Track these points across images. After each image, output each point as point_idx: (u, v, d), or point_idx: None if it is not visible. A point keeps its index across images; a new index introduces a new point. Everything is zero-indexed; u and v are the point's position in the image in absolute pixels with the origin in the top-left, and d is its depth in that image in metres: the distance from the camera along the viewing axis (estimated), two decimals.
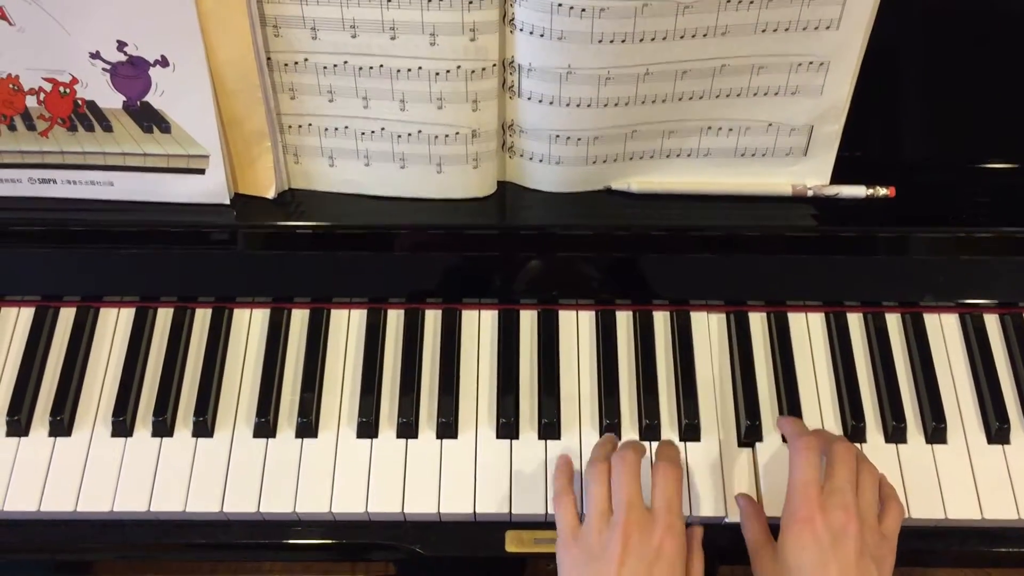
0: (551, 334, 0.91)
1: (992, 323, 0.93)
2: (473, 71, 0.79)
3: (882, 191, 0.88)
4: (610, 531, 0.74)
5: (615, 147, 0.85)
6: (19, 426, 0.87)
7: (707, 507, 0.84)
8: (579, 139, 0.84)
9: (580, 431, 0.87)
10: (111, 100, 0.82)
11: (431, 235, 0.88)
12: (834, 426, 0.88)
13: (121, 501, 0.83)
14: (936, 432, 0.87)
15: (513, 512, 0.83)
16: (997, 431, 0.87)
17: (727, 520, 0.83)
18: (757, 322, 0.93)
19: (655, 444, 0.86)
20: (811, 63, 0.80)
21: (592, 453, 0.81)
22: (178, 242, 0.88)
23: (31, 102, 0.83)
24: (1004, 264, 0.90)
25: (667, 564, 0.72)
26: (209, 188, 0.87)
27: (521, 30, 0.77)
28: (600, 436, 0.86)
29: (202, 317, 0.93)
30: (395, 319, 0.93)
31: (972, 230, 0.88)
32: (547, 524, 0.84)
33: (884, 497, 0.80)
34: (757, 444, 0.86)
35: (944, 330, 0.92)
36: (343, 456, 0.86)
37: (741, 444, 0.87)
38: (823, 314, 0.93)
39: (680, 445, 0.86)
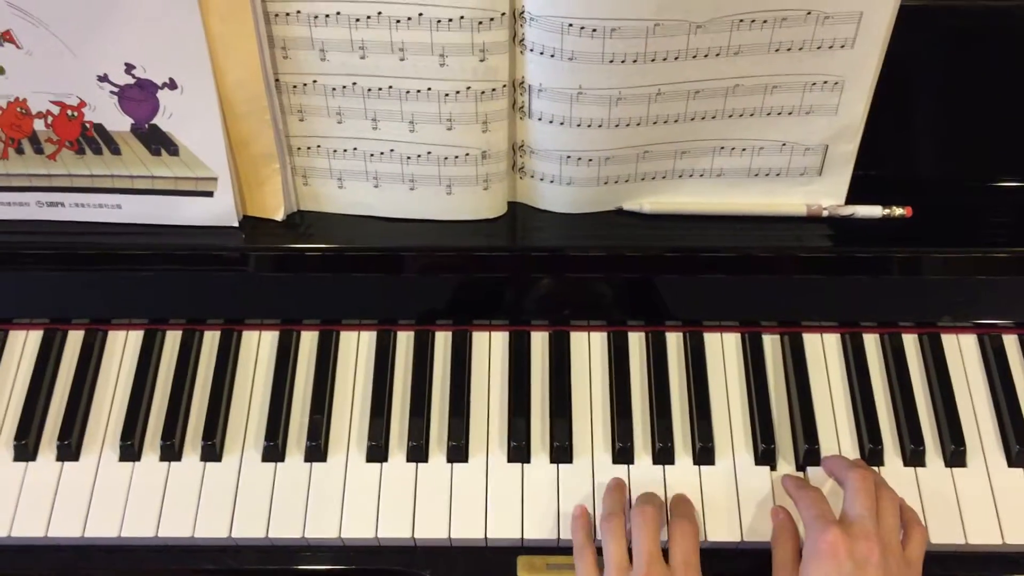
0: (563, 356, 0.90)
1: (1011, 343, 0.91)
2: (483, 92, 0.79)
3: (898, 211, 0.86)
4: None
5: (627, 167, 0.84)
6: (27, 450, 0.86)
7: (722, 531, 0.82)
8: (590, 160, 0.83)
9: (592, 454, 0.86)
10: (119, 123, 0.82)
11: (441, 257, 0.88)
12: (851, 449, 0.86)
13: (129, 526, 0.83)
14: (955, 455, 0.85)
15: (525, 537, 0.82)
16: (1018, 453, 0.85)
17: (742, 545, 0.82)
18: (772, 343, 0.92)
19: (667, 467, 0.85)
20: (826, 82, 0.79)
21: (604, 505, 0.81)
22: (186, 265, 0.88)
23: (39, 125, 0.82)
24: (1023, 284, 0.89)
25: None
26: (218, 211, 0.86)
27: (531, 50, 0.77)
28: (613, 460, 0.86)
29: (211, 340, 0.92)
30: (405, 341, 0.92)
31: (990, 250, 0.87)
32: (560, 549, 0.83)
33: (907, 522, 0.79)
34: (773, 467, 0.85)
35: (962, 351, 0.91)
36: (352, 480, 0.85)
37: (756, 467, 0.85)
38: (839, 335, 0.92)
39: (694, 469, 0.85)
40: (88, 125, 0.82)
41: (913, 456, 0.85)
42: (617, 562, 0.75)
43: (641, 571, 0.73)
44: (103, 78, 0.79)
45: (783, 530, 0.79)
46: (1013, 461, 0.85)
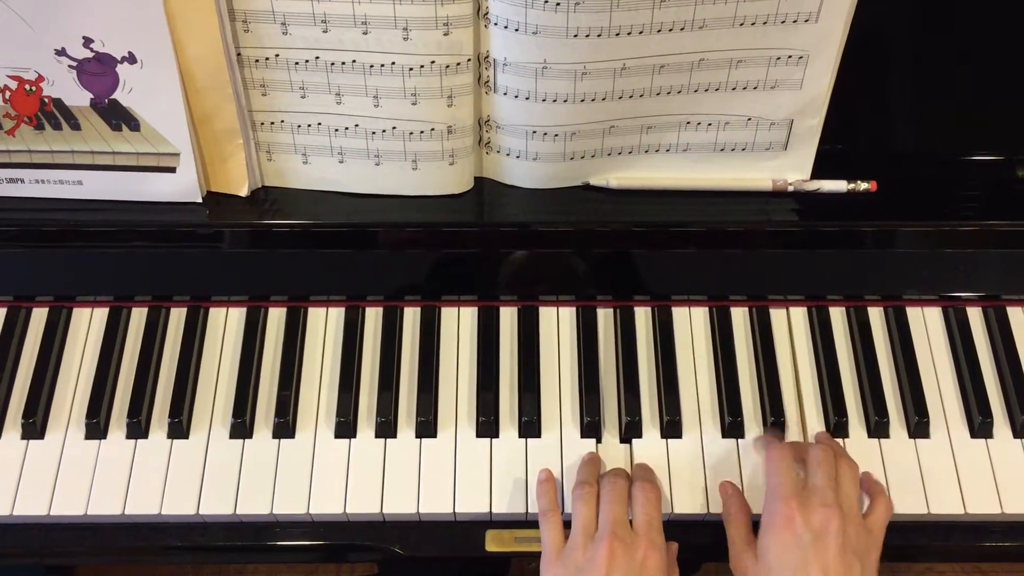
0: (531, 331, 0.90)
1: (975, 316, 0.92)
2: (448, 66, 0.78)
3: (863, 185, 0.87)
4: (595, 546, 0.74)
5: (593, 143, 0.84)
6: None
7: (689, 504, 0.83)
8: (556, 135, 0.82)
9: (561, 429, 0.86)
10: (78, 98, 0.81)
11: (408, 233, 0.87)
12: (816, 421, 0.87)
13: (95, 504, 0.83)
14: (919, 427, 0.86)
15: (493, 511, 0.83)
16: (980, 425, 0.86)
17: (709, 517, 0.83)
18: (739, 317, 0.92)
19: (635, 441, 0.86)
20: (790, 56, 0.79)
21: (578, 475, 0.82)
22: (150, 241, 0.87)
23: None
24: (987, 257, 0.90)
25: None
26: (180, 187, 0.85)
27: (496, 24, 0.76)
28: (581, 434, 0.86)
29: (177, 317, 0.92)
30: (373, 317, 0.92)
31: (955, 224, 0.87)
32: (528, 523, 0.83)
33: (872, 493, 0.80)
34: (739, 441, 0.86)
35: (927, 323, 0.92)
36: (321, 457, 0.85)
37: (723, 440, 0.86)
38: (805, 308, 0.92)
39: (662, 442, 0.86)
40: (47, 100, 0.81)
41: (877, 428, 0.86)
42: (585, 524, 0.76)
43: (606, 531, 0.75)
44: (61, 52, 0.78)
45: (733, 505, 0.80)
46: (975, 432, 0.86)
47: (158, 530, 0.84)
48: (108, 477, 0.84)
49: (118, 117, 0.81)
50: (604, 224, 0.87)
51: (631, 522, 0.77)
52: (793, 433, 0.86)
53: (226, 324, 0.91)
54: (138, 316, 0.92)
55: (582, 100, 0.80)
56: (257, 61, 0.79)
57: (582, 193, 0.88)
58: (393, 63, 0.78)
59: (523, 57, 0.77)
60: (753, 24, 0.76)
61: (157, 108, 0.81)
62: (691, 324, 0.91)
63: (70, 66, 0.79)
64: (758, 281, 0.92)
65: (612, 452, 0.85)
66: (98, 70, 0.79)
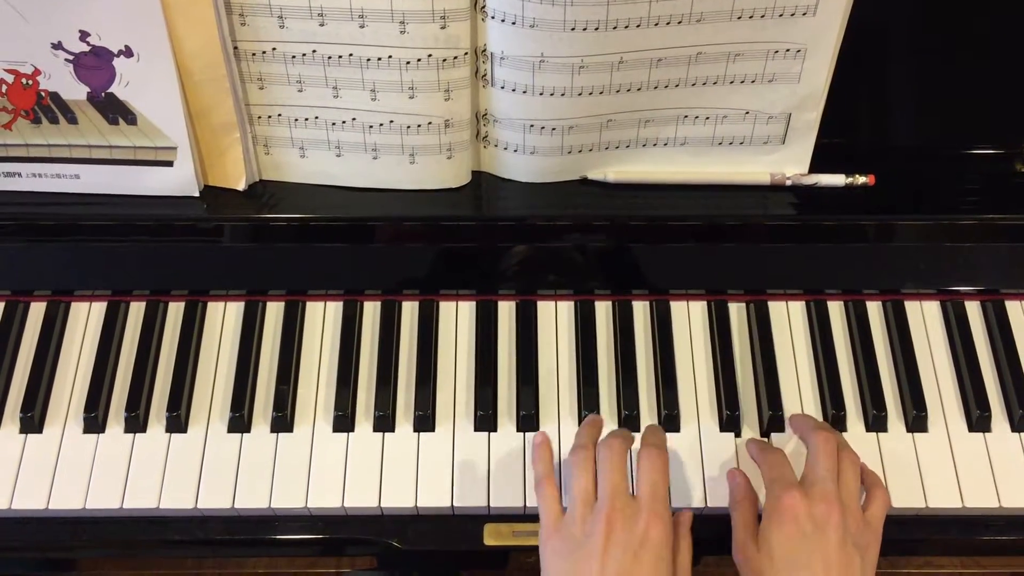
0: (529, 325, 0.90)
1: (973, 310, 0.92)
2: (444, 60, 0.78)
3: (861, 179, 0.87)
4: (593, 519, 0.72)
5: (591, 136, 0.84)
6: None
7: (687, 498, 0.83)
8: (554, 129, 0.82)
9: (559, 423, 0.86)
10: (75, 91, 0.81)
11: (406, 227, 0.87)
12: (814, 415, 0.87)
13: (94, 498, 0.83)
14: (917, 420, 0.86)
15: (492, 505, 0.83)
16: (978, 419, 0.86)
17: (708, 510, 0.83)
18: (737, 311, 0.92)
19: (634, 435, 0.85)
20: (788, 50, 0.79)
21: (576, 438, 0.79)
22: (148, 235, 0.87)
23: None
24: (985, 251, 0.89)
25: (653, 551, 0.70)
26: (178, 180, 0.85)
27: (493, 17, 0.76)
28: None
29: (175, 311, 0.91)
30: (371, 311, 0.92)
31: (953, 218, 0.87)
32: (526, 517, 0.83)
33: (869, 485, 0.80)
34: (737, 434, 0.86)
35: (925, 317, 0.92)
36: (319, 450, 0.85)
37: (721, 434, 0.86)
38: (804, 302, 0.92)
39: None
40: (43, 94, 0.81)
41: (875, 422, 0.86)
42: (583, 495, 0.73)
43: (605, 503, 0.71)
44: (57, 45, 0.78)
45: (740, 493, 0.79)
46: (973, 426, 0.86)
47: (157, 524, 0.84)
48: (106, 471, 0.84)
49: (115, 111, 0.81)
50: (602, 218, 0.87)
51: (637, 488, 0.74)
52: (790, 429, 0.86)
53: (224, 318, 0.91)
54: (136, 310, 0.92)
55: (579, 94, 0.79)
56: (254, 55, 0.79)
57: (580, 187, 0.88)
58: (390, 57, 0.78)
59: (520, 51, 0.77)
60: (751, 17, 0.76)
61: (154, 102, 0.81)
62: (689, 318, 0.91)
63: (67, 60, 0.79)
64: (756, 275, 0.91)
65: None
66: (95, 64, 0.79)
